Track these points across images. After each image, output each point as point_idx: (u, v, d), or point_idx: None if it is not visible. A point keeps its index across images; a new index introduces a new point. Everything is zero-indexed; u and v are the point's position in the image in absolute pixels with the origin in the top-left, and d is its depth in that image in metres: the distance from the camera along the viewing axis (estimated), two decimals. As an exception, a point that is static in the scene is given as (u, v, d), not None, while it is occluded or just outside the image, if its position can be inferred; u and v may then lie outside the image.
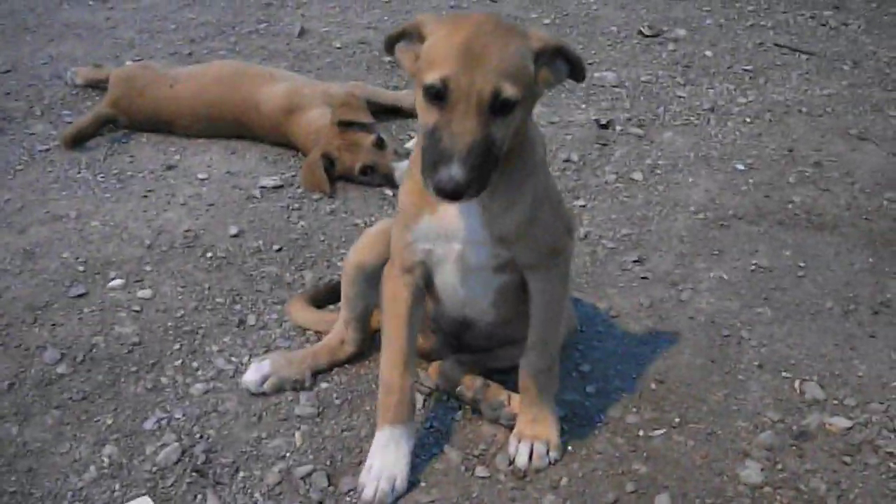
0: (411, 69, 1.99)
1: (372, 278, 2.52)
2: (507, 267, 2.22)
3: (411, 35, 2.00)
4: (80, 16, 5.89)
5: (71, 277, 3.07)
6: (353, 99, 3.85)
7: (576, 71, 2.03)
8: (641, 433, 2.40)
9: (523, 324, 2.34)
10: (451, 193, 1.83)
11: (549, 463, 2.30)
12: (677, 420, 2.44)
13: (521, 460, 2.29)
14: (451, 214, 2.10)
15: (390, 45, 2.06)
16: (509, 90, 1.84)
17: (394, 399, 2.29)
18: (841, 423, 2.42)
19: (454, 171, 1.80)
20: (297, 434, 2.41)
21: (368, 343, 2.70)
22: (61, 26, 5.67)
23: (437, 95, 1.86)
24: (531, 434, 2.31)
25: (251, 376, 2.55)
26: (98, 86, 4.55)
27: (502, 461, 2.32)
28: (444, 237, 2.14)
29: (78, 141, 4.02)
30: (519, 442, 2.31)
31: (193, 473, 2.29)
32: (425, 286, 2.31)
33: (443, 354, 2.59)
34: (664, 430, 2.41)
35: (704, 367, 2.65)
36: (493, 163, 1.90)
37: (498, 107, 1.85)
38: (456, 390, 2.48)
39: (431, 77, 1.85)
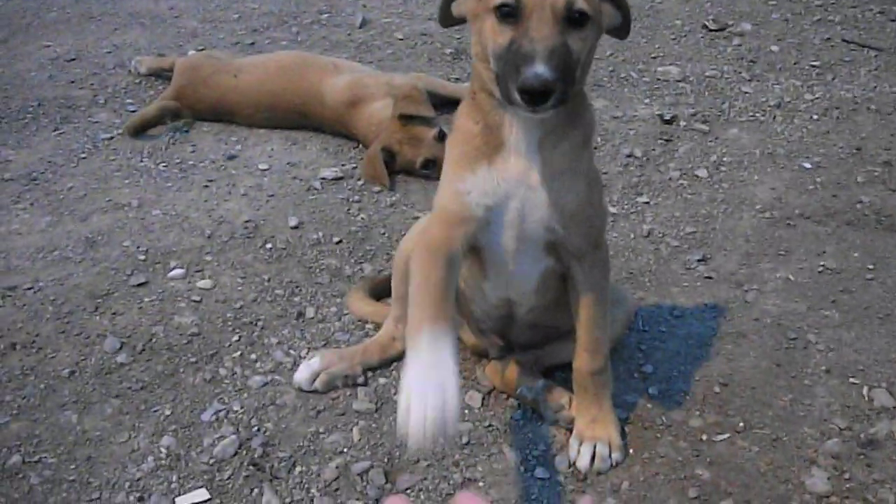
0: (474, 10, 1.97)
1: None
2: (555, 249, 2.18)
3: None
4: (144, 5, 5.94)
5: (132, 266, 3.08)
6: (414, 92, 3.82)
7: (624, 22, 2.06)
8: (705, 437, 2.35)
9: (565, 315, 2.31)
10: (539, 90, 1.79)
11: (612, 465, 2.26)
12: (741, 425, 2.38)
13: (583, 462, 2.25)
14: (510, 165, 2.06)
15: (446, 9, 2.07)
16: (581, 2, 1.85)
17: (430, 299, 2.00)
18: (911, 431, 2.36)
19: (539, 69, 1.78)
20: (355, 429, 2.40)
21: None
22: (126, 15, 5.72)
23: (510, 13, 1.86)
24: (592, 435, 2.27)
25: (302, 374, 2.54)
26: (161, 75, 4.58)
27: (562, 462, 2.28)
28: (503, 193, 2.08)
29: (141, 130, 4.05)
30: (580, 444, 2.27)
31: (250, 467, 2.29)
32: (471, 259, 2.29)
33: (496, 355, 2.57)
34: (728, 434, 2.35)
35: (770, 370, 2.59)
36: (572, 77, 1.89)
37: (573, 17, 1.86)
38: (516, 391, 2.44)
39: None
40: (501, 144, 2.05)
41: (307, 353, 2.66)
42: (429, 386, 1.76)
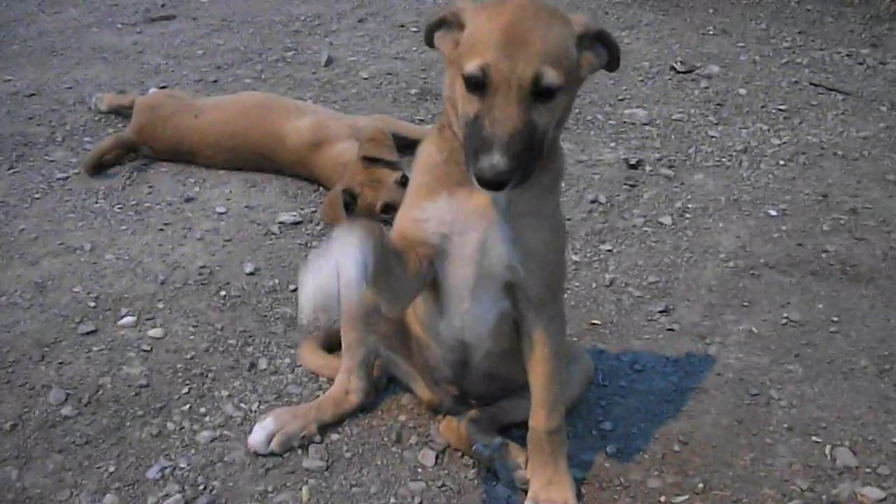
0: (450, 56, 1.95)
1: (373, 318, 2.45)
2: (513, 292, 2.13)
3: (451, 23, 1.96)
4: (108, 39, 5.87)
5: (81, 313, 3.00)
6: (380, 135, 3.76)
7: (612, 59, 2.00)
8: (663, 499, 2.28)
9: (519, 367, 2.25)
10: (493, 182, 1.78)
11: None
12: (701, 486, 2.32)
13: None
14: (473, 198, 2.02)
15: (430, 35, 2.02)
16: (551, 75, 1.80)
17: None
18: (873, 493, 2.29)
19: (496, 160, 1.76)
20: (305, 489, 2.32)
21: (374, 392, 2.61)
22: (89, 49, 5.64)
23: (478, 84, 1.82)
24: (548, 498, 2.20)
25: (256, 436, 2.44)
26: (122, 112, 4.50)
27: (517, 525, 2.22)
28: (463, 224, 2.05)
29: (98, 167, 3.97)
30: None
31: (195, 528, 2.21)
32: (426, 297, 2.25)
33: (450, 409, 2.51)
34: (687, 496, 2.29)
35: (731, 428, 2.53)
36: (538, 151, 1.87)
37: (540, 92, 1.82)
38: (472, 448, 2.37)
39: (471, 66, 1.82)
40: (466, 178, 1.99)
41: (258, 407, 2.59)
42: (325, 262, 1.74)
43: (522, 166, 1.80)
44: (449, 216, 2.05)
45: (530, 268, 2.07)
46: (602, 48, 1.98)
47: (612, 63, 2.02)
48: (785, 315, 3.03)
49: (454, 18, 1.95)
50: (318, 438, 2.47)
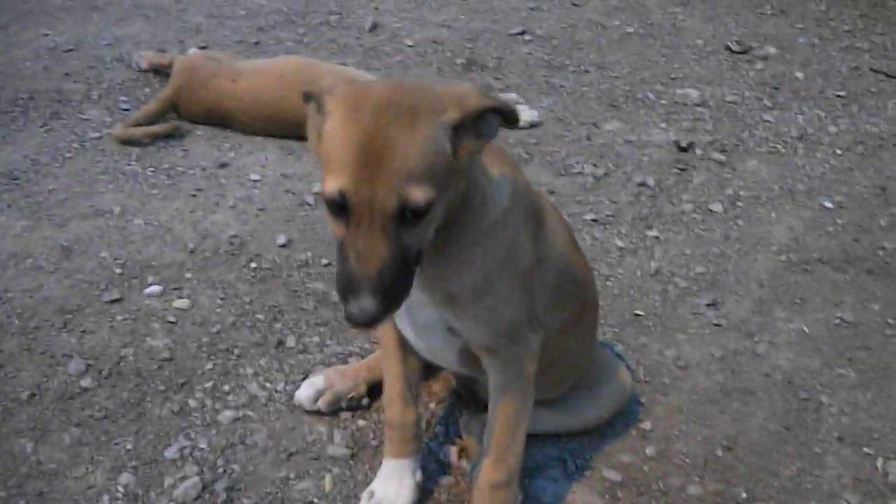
0: (315, 148, 1.65)
1: None
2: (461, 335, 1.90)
3: (316, 103, 1.64)
4: (150, -5, 5.78)
5: (107, 280, 2.91)
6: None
7: (508, 121, 1.66)
8: (704, 508, 2.17)
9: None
10: (366, 325, 1.55)
11: None
12: (744, 496, 2.20)
13: None
14: None
15: (306, 100, 1.70)
16: (418, 195, 1.51)
17: (395, 434, 2.15)
18: (928, 513, 2.17)
19: (365, 304, 1.52)
20: (328, 477, 2.22)
21: None
22: (130, 6, 5.54)
23: (340, 208, 1.53)
24: None
25: (304, 391, 2.39)
26: (161, 71, 4.40)
27: (548, 528, 2.11)
28: None
29: (129, 142, 3.85)
30: None
31: (212, 514, 2.12)
32: None
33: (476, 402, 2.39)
34: (729, 506, 2.17)
35: (778, 434, 2.40)
36: (415, 263, 1.62)
37: (407, 217, 1.53)
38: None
39: (330, 189, 1.52)
40: None
41: (284, 387, 2.49)
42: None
43: (395, 292, 1.57)
44: None
45: (467, 320, 1.84)
46: (492, 116, 1.64)
47: (510, 122, 1.67)
48: (838, 315, 2.89)
49: (318, 100, 1.64)
50: (364, 402, 2.42)
